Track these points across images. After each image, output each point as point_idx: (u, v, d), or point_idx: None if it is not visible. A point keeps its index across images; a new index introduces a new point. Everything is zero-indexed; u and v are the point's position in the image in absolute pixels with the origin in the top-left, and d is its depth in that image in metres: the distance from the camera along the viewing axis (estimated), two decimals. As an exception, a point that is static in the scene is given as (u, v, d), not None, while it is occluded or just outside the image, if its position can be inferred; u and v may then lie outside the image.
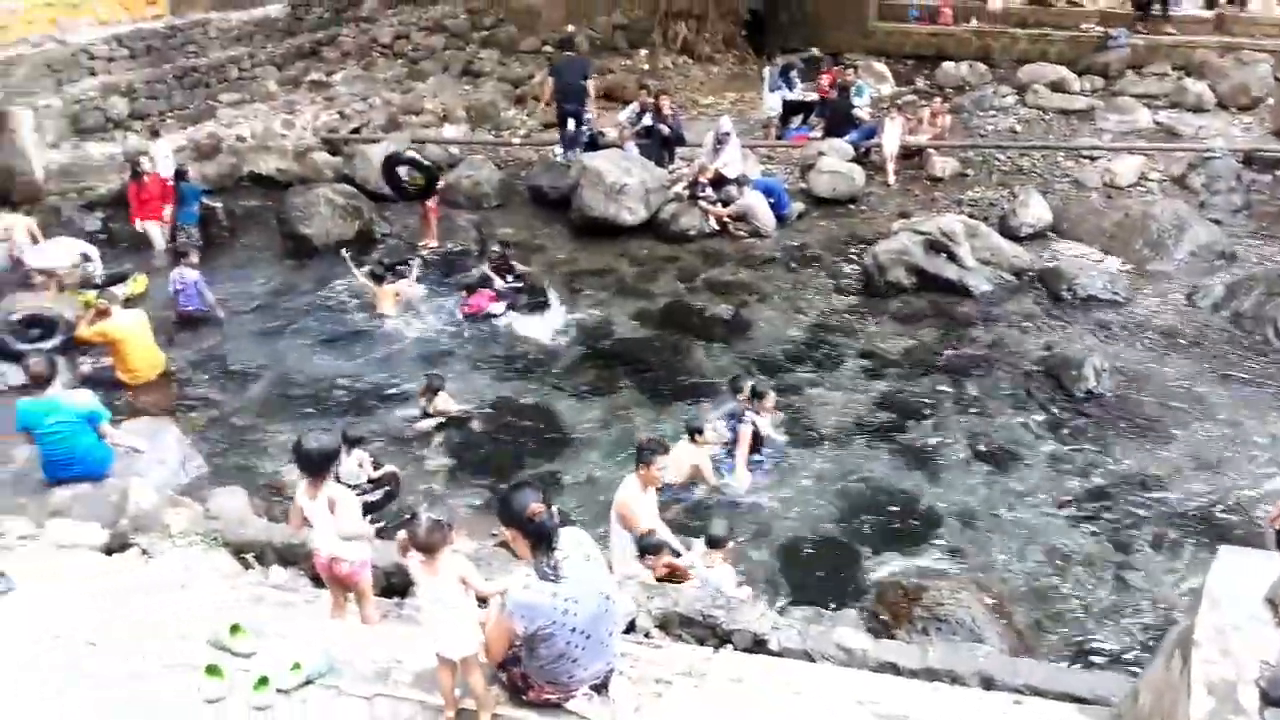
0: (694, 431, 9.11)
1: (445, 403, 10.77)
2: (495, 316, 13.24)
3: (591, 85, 18.10)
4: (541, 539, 4.54)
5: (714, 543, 7.20)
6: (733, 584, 7.09)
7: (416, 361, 12.24)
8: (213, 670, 5.04)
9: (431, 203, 15.53)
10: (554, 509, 4.69)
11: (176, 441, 9.67)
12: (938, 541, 8.54)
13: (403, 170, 15.55)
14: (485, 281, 13.66)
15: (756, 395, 9.37)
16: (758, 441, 9.31)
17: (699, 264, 14.85)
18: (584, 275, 14.60)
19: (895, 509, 9.02)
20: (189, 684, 5.05)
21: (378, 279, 13.34)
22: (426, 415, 10.65)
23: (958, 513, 8.91)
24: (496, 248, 14.28)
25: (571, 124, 17.78)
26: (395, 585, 6.72)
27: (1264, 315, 12.13)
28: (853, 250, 14.89)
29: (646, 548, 7.36)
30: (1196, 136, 17.80)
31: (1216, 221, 15.14)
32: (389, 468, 9.38)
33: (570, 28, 25.88)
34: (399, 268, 14.04)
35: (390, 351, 12.57)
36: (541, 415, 10.96)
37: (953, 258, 13.54)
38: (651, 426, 10.45)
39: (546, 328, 12.91)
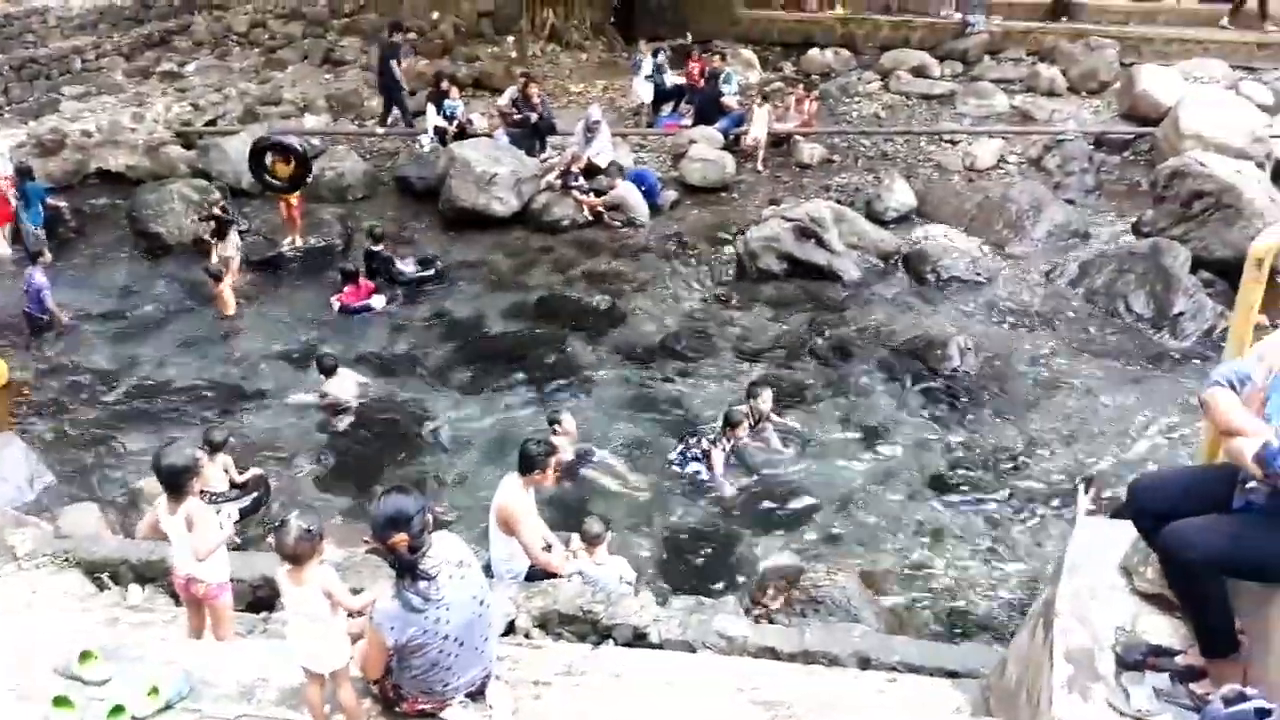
0: (553, 423, 9.10)
1: (340, 388, 10.64)
2: (372, 310, 13.03)
3: (400, 67, 18.63)
4: (404, 571, 4.38)
5: (590, 539, 7.13)
6: (630, 572, 7.14)
7: (278, 360, 12.01)
8: (61, 702, 4.77)
9: (294, 197, 15.04)
10: (428, 515, 4.52)
11: (22, 456, 9.26)
12: (815, 524, 8.69)
13: (272, 157, 14.86)
14: (372, 271, 13.39)
15: (729, 424, 9.29)
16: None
17: (574, 255, 14.83)
18: (456, 268, 14.46)
19: (773, 494, 9.14)
20: (35, 717, 4.75)
21: (215, 277, 12.93)
22: (323, 396, 10.67)
23: (834, 495, 9.06)
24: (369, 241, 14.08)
25: (395, 110, 18.42)
26: (262, 599, 6.52)
27: (1115, 291, 12.62)
28: (725, 238, 15.04)
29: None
30: (1051, 120, 18.40)
31: (1070, 202, 15.72)
32: (255, 471, 9.15)
33: (435, 14, 25.43)
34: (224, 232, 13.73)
35: (251, 350, 12.30)
36: (415, 413, 10.83)
37: (821, 243, 13.76)
38: (531, 422, 10.43)
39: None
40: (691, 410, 10.62)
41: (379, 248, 13.84)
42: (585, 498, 9.07)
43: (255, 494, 8.92)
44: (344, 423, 10.49)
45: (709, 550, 8.41)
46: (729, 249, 14.58)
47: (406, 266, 13.84)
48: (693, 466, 9.27)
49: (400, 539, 4.28)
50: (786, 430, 9.92)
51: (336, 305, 12.98)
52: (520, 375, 11.52)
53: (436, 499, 8.78)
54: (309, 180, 15.42)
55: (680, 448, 9.47)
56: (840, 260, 13.71)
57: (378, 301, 13.10)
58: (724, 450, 9.27)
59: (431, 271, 14.01)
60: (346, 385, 10.83)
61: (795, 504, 8.99)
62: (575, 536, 7.43)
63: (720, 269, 14.21)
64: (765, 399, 9.59)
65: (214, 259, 13.55)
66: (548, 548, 7.11)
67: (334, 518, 8.82)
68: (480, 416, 10.66)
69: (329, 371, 10.76)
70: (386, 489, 4.63)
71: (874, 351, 11.82)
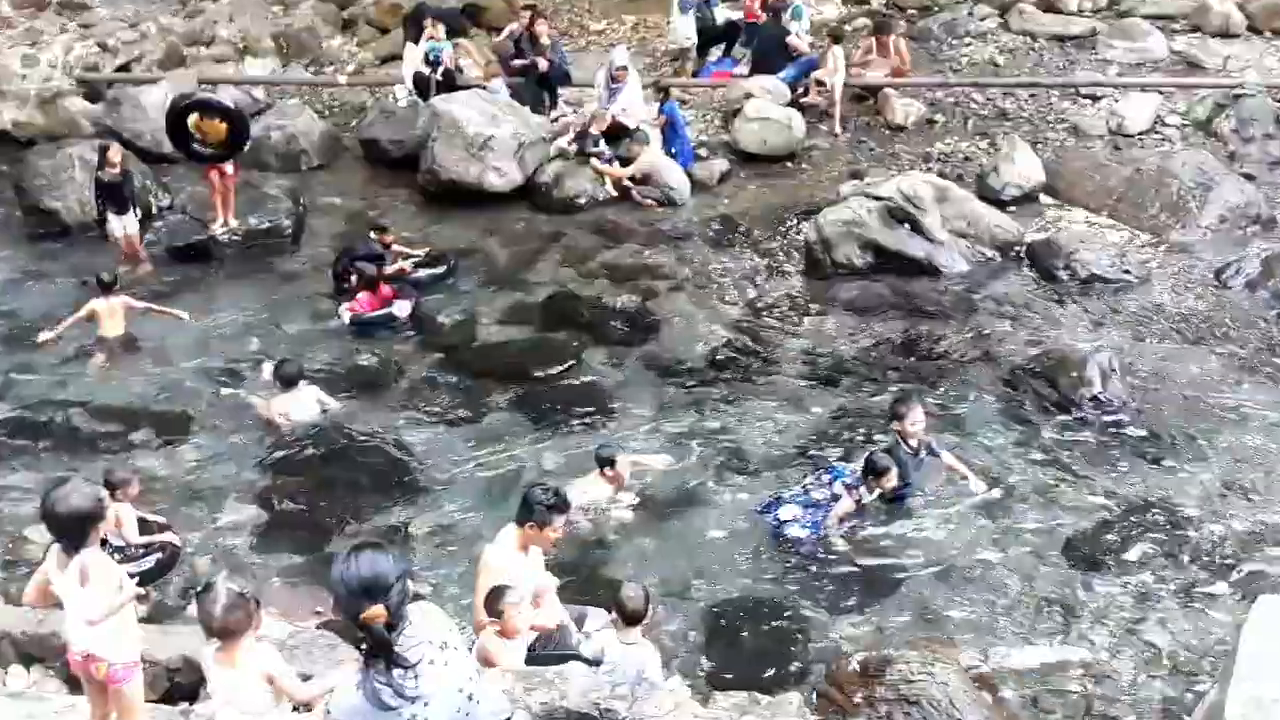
0: (605, 463, 9.41)
1: (298, 407, 10.85)
2: (395, 321, 13.15)
3: None
4: (378, 650, 4.36)
5: (631, 616, 7.06)
6: (657, 668, 7.10)
7: (204, 377, 12.19)
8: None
9: (228, 166, 15.16)
10: (409, 582, 4.48)
11: None
12: (904, 598, 8.73)
13: (197, 116, 14.92)
14: (377, 271, 13.33)
15: (874, 472, 9.40)
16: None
17: (592, 242, 14.87)
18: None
19: (848, 559, 9.20)
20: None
21: (105, 287, 12.60)
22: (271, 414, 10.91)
23: (929, 560, 9.10)
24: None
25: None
26: (181, 686, 6.55)
27: (1311, 296, 12.62)
28: (791, 221, 15.09)
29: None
30: (1224, 70, 18.24)
31: (1250, 177, 15.62)
32: (163, 529, 9.15)
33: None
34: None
35: (171, 365, 12.45)
36: (384, 446, 10.87)
37: (918, 229, 13.75)
38: (533, 460, 10.53)
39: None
40: (745, 448, 10.71)
41: (382, 244, 13.96)
42: (595, 556, 9.28)
43: (159, 555, 8.88)
44: (293, 454, 10.63)
45: (767, 628, 8.41)
46: (796, 236, 14.59)
47: (405, 263, 14.01)
48: (791, 514, 9.37)
49: (376, 613, 4.18)
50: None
51: (347, 316, 13.12)
52: (521, 399, 11.65)
53: (410, 558, 8.88)
54: (246, 145, 15.53)
55: (774, 496, 9.64)
56: (943, 252, 13.68)
57: (401, 309, 13.20)
58: (856, 500, 9.40)
59: (442, 270, 14.12)
60: (305, 404, 10.94)
61: (882, 572, 9.05)
62: (594, 612, 7.57)
63: (784, 262, 14.26)
64: (916, 418, 9.65)
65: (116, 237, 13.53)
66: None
67: (274, 580, 8.87)
68: (469, 451, 10.77)
69: (289, 382, 10.89)
70: (357, 545, 4.47)
71: (987, 373, 11.83)
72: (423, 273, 13.96)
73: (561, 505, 7.19)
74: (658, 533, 9.64)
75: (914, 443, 9.66)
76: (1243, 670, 4.29)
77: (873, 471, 9.35)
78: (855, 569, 9.10)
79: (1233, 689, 4.25)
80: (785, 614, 8.57)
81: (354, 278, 13.24)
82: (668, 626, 8.30)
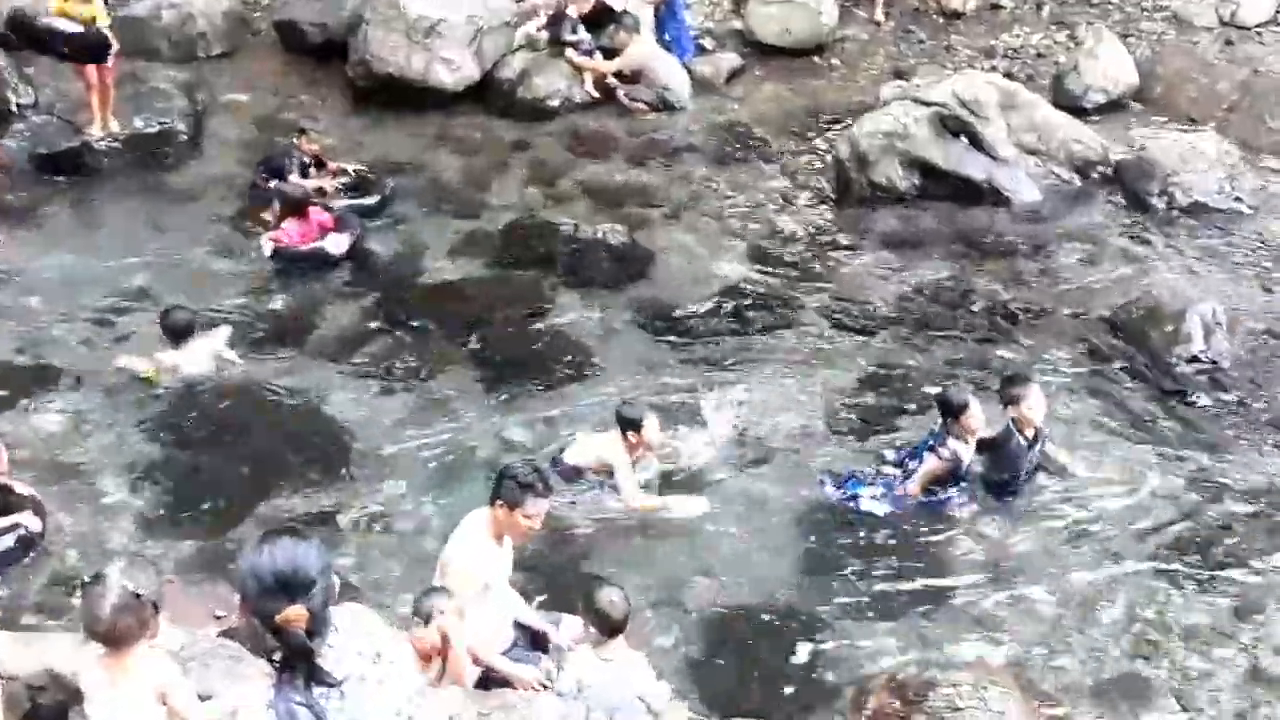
0: (629, 425, 9.58)
1: (190, 360, 10.86)
2: (333, 260, 13.10)
3: None
4: (296, 663, 4.39)
5: (614, 627, 7.10)
6: (654, 685, 7.19)
7: (78, 322, 12.14)
8: None
9: (110, 60, 14.94)
10: (334, 579, 4.45)
11: None
12: (951, 606, 8.77)
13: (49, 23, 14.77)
14: (306, 193, 13.33)
15: (951, 411, 9.60)
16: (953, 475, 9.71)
17: (568, 157, 14.91)
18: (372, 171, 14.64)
19: (884, 557, 9.25)
20: None
21: None
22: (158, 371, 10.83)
23: (983, 561, 9.19)
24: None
25: None
26: (46, 708, 6.53)
27: None
28: (817, 133, 15.09)
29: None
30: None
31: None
32: (24, 491, 9.16)
33: None
34: None
35: (32, 305, 12.40)
36: (305, 412, 10.90)
37: (978, 143, 13.74)
38: (492, 431, 10.57)
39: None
40: (759, 421, 10.77)
41: (308, 153, 14.00)
42: (572, 548, 9.30)
43: (20, 529, 8.88)
44: (189, 421, 10.63)
45: (784, 641, 8.47)
46: (823, 152, 14.59)
47: (324, 180, 14.04)
48: (870, 491, 9.66)
49: (295, 614, 4.17)
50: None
51: (269, 249, 13.11)
52: (477, 355, 11.71)
53: (337, 550, 8.83)
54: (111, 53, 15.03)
55: (847, 474, 9.88)
56: (1008, 173, 13.70)
57: (336, 243, 13.15)
58: (945, 458, 9.53)
59: (375, 201, 14.11)
60: (198, 358, 10.96)
61: (931, 573, 9.11)
62: (567, 619, 7.61)
63: (808, 185, 14.25)
64: (1034, 401, 9.66)
65: None
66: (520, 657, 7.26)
67: (167, 576, 8.81)
68: (411, 418, 10.82)
69: (179, 334, 10.90)
70: (271, 532, 4.48)
71: (1061, 327, 11.87)
72: (346, 200, 13.91)
73: (538, 486, 7.23)
74: (650, 523, 9.66)
75: (1030, 431, 9.68)
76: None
77: (949, 411, 9.50)
78: (896, 568, 9.16)
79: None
80: (807, 624, 8.63)
81: (277, 201, 13.21)
82: (661, 640, 8.37)
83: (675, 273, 12.90)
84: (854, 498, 9.71)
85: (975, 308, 12.22)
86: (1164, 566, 9.16)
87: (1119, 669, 8.28)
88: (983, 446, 9.70)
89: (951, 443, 9.51)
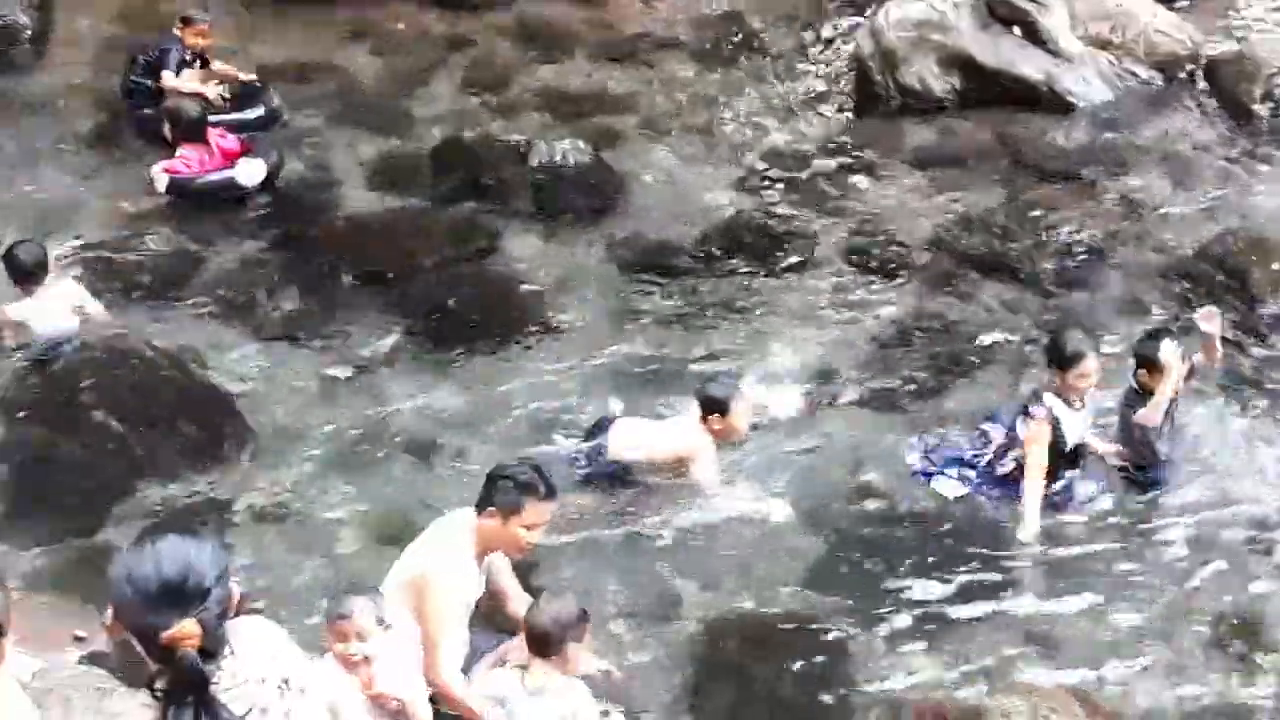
0: (714, 407, 9.37)
1: (39, 313, 10.56)
2: (246, 192, 12.89)
3: None
4: (185, 692, 4.14)
5: (538, 642, 7.08)
6: (592, 714, 7.21)
7: None
8: None
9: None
10: (231, 585, 4.32)
11: None
12: (998, 613, 8.72)
13: None
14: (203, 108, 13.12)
15: (1060, 360, 9.27)
16: (1069, 455, 9.47)
17: (515, 55, 14.84)
18: (270, 76, 14.45)
19: (912, 551, 9.22)
20: None
21: None
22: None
23: (1035, 555, 9.13)
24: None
25: None
26: None
27: None
28: (832, 22, 15.00)
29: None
30: None
31: None
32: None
33: None
34: None
35: None
36: (188, 378, 10.68)
37: (1033, 35, 13.62)
38: (424, 401, 10.50)
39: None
40: (770, 387, 10.62)
41: (192, 46, 13.74)
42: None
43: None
44: (39, 387, 10.37)
45: (791, 660, 8.36)
46: (841, 46, 14.56)
47: (211, 87, 13.77)
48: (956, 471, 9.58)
49: (184, 631, 4.10)
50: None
51: (163, 181, 12.93)
52: (403, 304, 11.68)
53: (231, 549, 8.60)
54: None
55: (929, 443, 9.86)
56: (1073, 71, 13.60)
57: (248, 172, 12.95)
58: (1037, 421, 9.24)
59: (257, 116, 13.92)
60: (52, 309, 10.71)
61: (982, 571, 9.04)
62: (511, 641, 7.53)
63: (820, 89, 14.26)
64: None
65: None
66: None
67: (12, 587, 8.53)
68: (321, 386, 10.80)
69: (27, 276, 10.67)
70: (151, 530, 4.67)
71: (1140, 264, 11.79)
72: (226, 116, 13.66)
73: (540, 487, 7.29)
74: (633, 519, 9.50)
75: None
76: None
77: (1055, 359, 9.25)
78: (919, 569, 9.09)
79: None
80: (820, 638, 8.56)
81: (168, 123, 12.97)
82: (638, 657, 8.33)
83: (655, 202, 12.74)
84: (929, 475, 9.66)
85: (1032, 241, 12.03)
86: (1254, 559, 9.15)
87: (1211, 693, 8.20)
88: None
89: (1049, 399, 9.25)
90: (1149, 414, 9.27)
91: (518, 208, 12.64)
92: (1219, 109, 13.58)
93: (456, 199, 12.79)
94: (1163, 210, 12.36)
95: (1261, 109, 13.35)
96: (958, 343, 11.06)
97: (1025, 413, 9.35)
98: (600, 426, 9.76)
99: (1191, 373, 9.55)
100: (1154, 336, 9.55)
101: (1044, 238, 12.12)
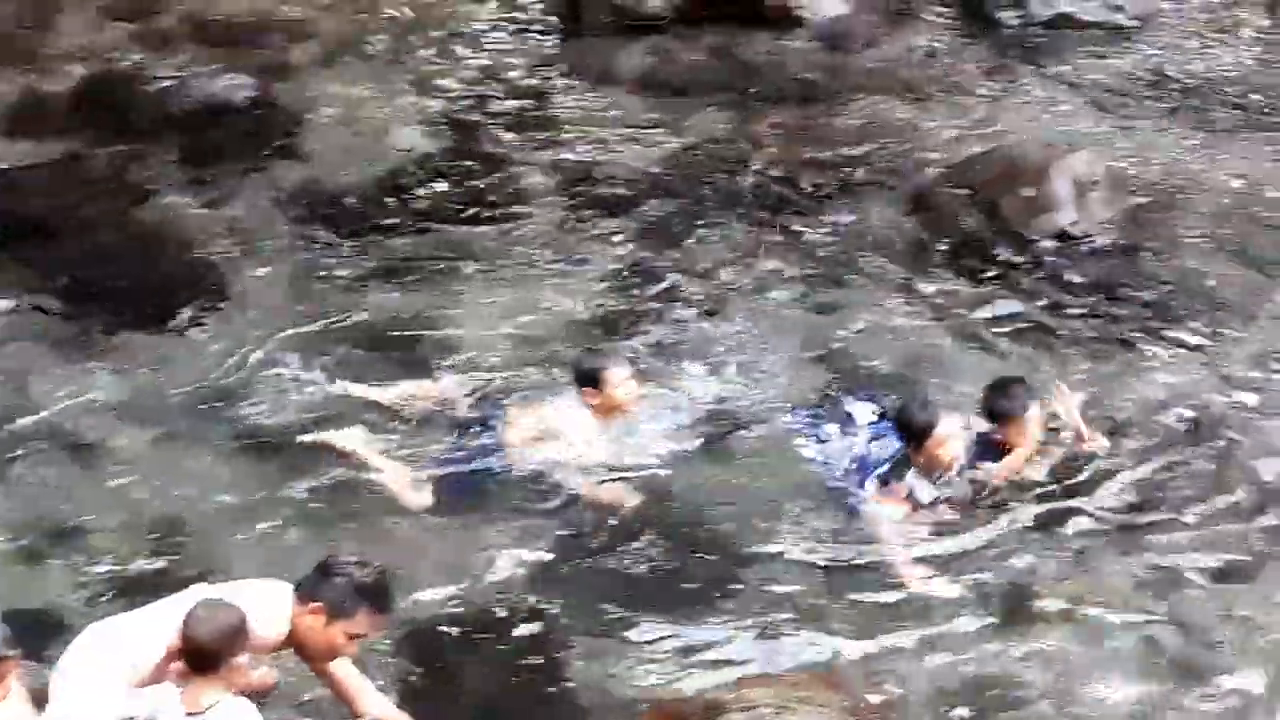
0: (584, 379, 9.20)
1: None
2: None
3: None
4: None
5: (196, 656, 6.41)
6: None
7: None
8: None
9: None
10: None
11: None
12: (739, 604, 8.44)
13: None
14: None
15: (911, 434, 8.92)
16: None
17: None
18: None
19: (651, 544, 8.86)
20: None
21: None
22: None
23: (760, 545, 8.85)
24: None
25: None
26: None
27: None
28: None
29: None
30: None
31: None
32: None
33: None
34: None
35: None
36: None
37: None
38: (64, 386, 9.76)
39: None
40: (462, 353, 10.23)
41: None
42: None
43: None
44: None
45: (510, 653, 8.08)
46: None
47: None
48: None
49: None
50: None
51: None
52: (40, 275, 10.91)
53: None
54: None
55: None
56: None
57: None
58: (899, 497, 8.99)
59: None
60: None
61: (705, 564, 8.74)
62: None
63: (524, 8, 13.73)
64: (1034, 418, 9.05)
65: None
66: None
67: None
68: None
69: None
70: None
71: (882, 192, 11.38)
72: None
73: (383, 600, 6.76)
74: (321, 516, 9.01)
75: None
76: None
77: (910, 435, 8.92)
78: (675, 556, 8.75)
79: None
80: (541, 634, 8.28)
81: None
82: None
83: (335, 143, 12.26)
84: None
85: (763, 172, 11.70)
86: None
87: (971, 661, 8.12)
88: None
89: (910, 480, 8.98)
90: (1001, 470, 9.03)
91: (172, 155, 11.93)
92: (960, 19, 13.37)
93: (99, 145, 12.10)
94: (903, 134, 12.06)
95: (1008, 16, 13.13)
96: (694, 284, 10.71)
97: (881, 479, 9.09)
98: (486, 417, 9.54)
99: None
100: (1005, 389, 9.26)
101: (773, 169, 11.76)
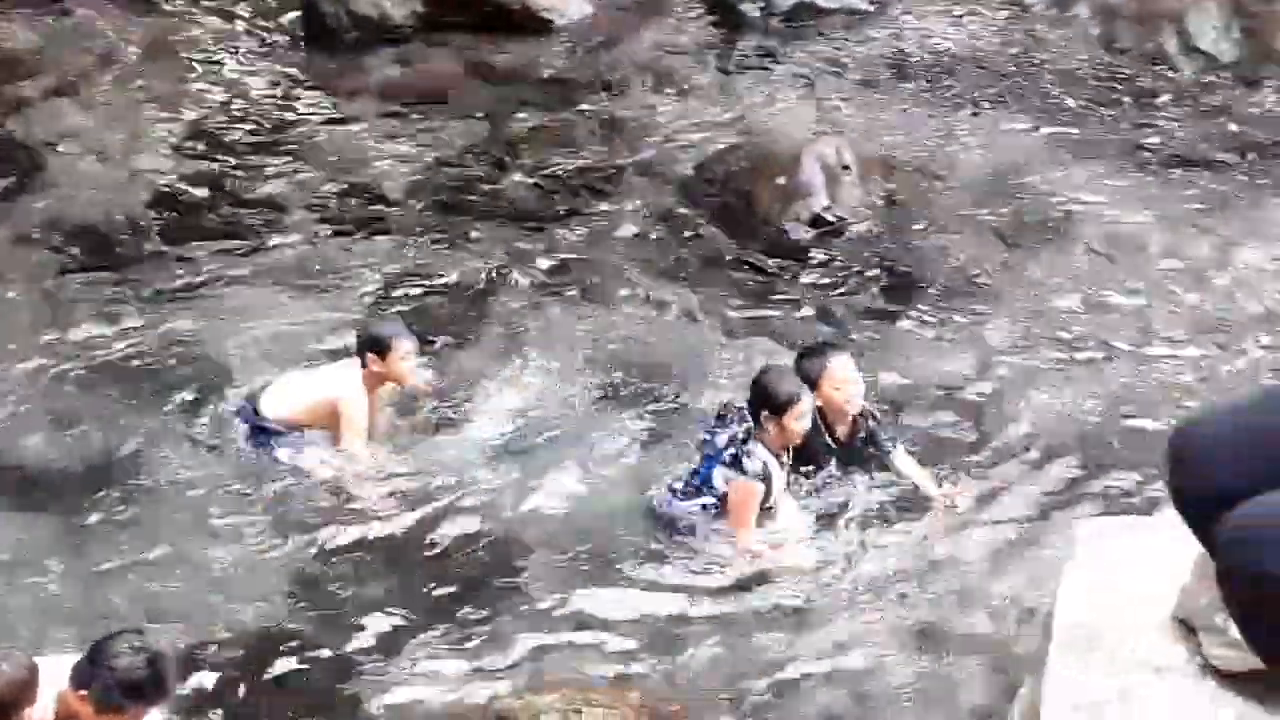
0: (370, 345, 9.01)
1: None
2: None
3: None
4: None
5: None
6: None
7: None
8: None
9: None
10: None
11: None
12: (526, 611, 8.53)
13: None
14: None
15: (772, 406, 8.72)
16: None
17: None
18: None
19: (429, 551, 8.91)
20: None
21: None
22: None
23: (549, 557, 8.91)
24: None
25: None
26: None
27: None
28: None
29: None
30: None
31: None
32: None
33: None
34: None
35: None
36: None
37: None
38: None
39: None
40: (211, 371, 10.13)
41: None
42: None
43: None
44: None
45: (295, 676, 8.01)
46: None
47: None
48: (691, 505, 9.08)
49: None
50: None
51: None
52: None
53: None
54: None
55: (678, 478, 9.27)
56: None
57: None
58: (758, 473, 8.79)
59: None
60: None
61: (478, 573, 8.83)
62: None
63: (268, 25, 13.76)
64: (840, 368, 9.01)
65: None
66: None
67: None
68: None
69: None
70: None
71: (638, 188, 11.61)
72: None
73: (149, 689, 6.29)
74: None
75: (841, 429, 9.18)
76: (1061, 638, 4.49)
77: (771, 405, 8.69)
78: (456, 570, 8.76)
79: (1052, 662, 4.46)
80: (319, 651, 8.18)
81: None
82: None
83: (80, 177, 12.05)
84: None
85: (519, 178, 11.79)
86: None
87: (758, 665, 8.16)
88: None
89: (761, 453, 8.77)
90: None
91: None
92: (707, 14, 13.52)
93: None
94: (657, 131, 12.20)
95: (750, 9, 13.29)
96: (458, 299, 10.62)
97: (729, 463, 8.86)
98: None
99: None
100: (815, 353, 9.25)
101: (531, 173, 11.86)
